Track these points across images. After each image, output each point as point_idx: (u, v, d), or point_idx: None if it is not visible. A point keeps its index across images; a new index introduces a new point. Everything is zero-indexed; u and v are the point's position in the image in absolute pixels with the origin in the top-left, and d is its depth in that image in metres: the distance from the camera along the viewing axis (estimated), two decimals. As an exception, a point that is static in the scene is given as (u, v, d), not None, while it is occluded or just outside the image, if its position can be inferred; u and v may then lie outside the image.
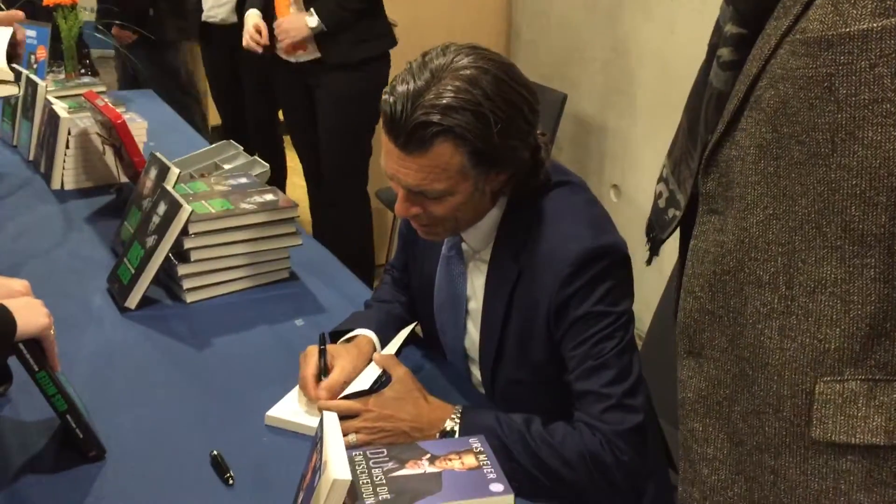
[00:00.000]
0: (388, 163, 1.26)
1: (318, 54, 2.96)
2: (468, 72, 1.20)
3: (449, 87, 1.18)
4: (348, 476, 0.96)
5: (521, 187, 1.32)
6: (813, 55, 0.76)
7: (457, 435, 1.26)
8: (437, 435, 1.27)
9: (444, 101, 1.18)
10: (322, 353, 1.40)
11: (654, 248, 1.04)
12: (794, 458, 0.83)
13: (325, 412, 1.09)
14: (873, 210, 0.76)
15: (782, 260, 0.81)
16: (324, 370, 1.38)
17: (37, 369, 1.18)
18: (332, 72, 2.99)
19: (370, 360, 1.42)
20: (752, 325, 0.84)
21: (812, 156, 0.77)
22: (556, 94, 3.18)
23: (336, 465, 0.98)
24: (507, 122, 1.21)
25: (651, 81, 3.10)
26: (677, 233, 1.00)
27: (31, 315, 1.16)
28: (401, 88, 1.20)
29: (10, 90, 1.98)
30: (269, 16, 3.06)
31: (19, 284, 1.24)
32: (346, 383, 1.37)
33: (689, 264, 0.89)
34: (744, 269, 0.84)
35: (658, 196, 1.02)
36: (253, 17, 3.07)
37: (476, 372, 1.47)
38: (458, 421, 1.27)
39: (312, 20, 2.88)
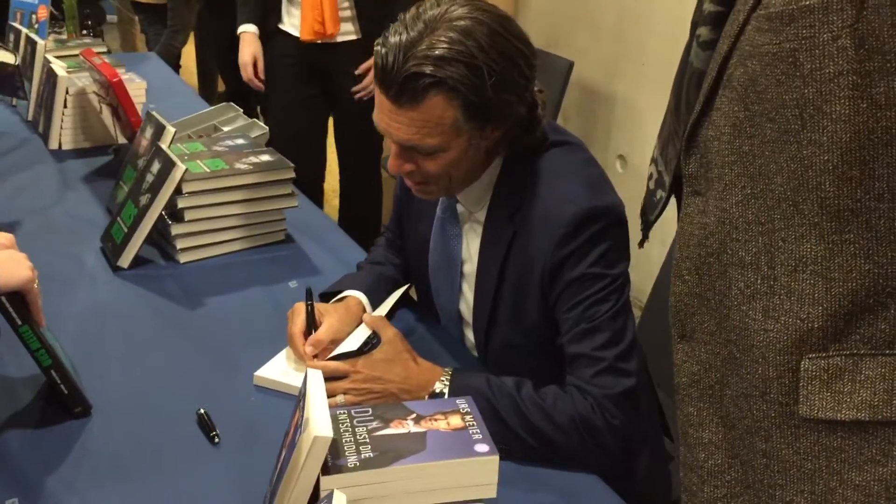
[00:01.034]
0: (380, 117, 1.23)
1: (355, 36, 2.72)
2: (462, 23, 1.17)
3: (442, 39, 1.15)
4: (330, 433, 0.94)
5: (516, 145, 1.29)
6: (776, 30, 0.74)
7: (446, 397, 1.24)
8: (426, 397, 1.25)
9: (437, 53, 1.15)
10: (309, 309, 1.38)
11: (646, 230, 1.02)
12: (786, 438, 0.82)
13: (309, 370, 1.07)
14: (847, 185, 0.74)
15: (763, 240, 0.79)
16: (311, 326, 1.37)
17: (20, 323, 1.16)
18: (362, 59, 2.76)
19: (359, 321, 1.41)
20: (736, 307, 0.82)
21: (783, 133, 0.76)
22: (562, 62, 3.13)
23: (318, 422, 0.96)
24: (501, 75, 1.17)
25: (661, 49, 3.05)
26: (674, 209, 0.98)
27: (13, 268, 1.14)
28: (393, 39, 1.17)
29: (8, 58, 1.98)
30: (268, 28, 2.81)
31: (4, 238, 1.22)
32: (335, 341, 1.35)
33: (676, 248, 0.88)
34: (726, 251, 0.82)
35: (649, 178, 1.01)
36: (250, 43, 2.74)
37: (470, 335, 1.45)
38: (447, 383, 1.25)
39: None
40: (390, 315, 1.45)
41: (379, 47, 1.19)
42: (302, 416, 1.01)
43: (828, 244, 0.76)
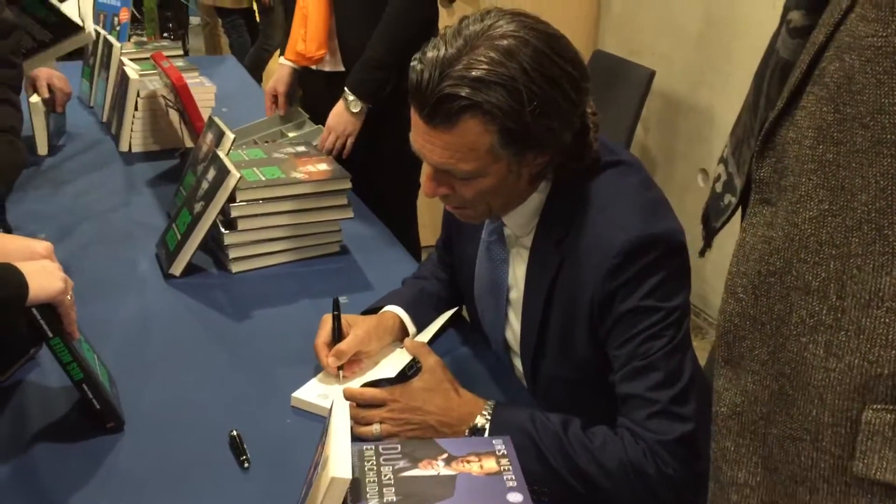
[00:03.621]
0: (414, 137, 1.16)
1: (341, 67, 2.36)
2: (505, 42, 1.08)
3: (482, 59, 1.07)
4: (348, 475, 0.88)
5: (564, 170, 1.20)
6: (884, 21, 0.63)
7: (487, 432, 1.16)
8: (466, 431, 1.17)
9: (475, 74, 1.06)
10: (336, 319, 1.34)
11: (708, 238, 0.92)
12: (833, 495, 0.72)
13: (335, 402, 1.01)
14: None
15: (835, 265, 0.69)
16: (337, 336, 1.34)
17: (51, 336, 1.14)
18: None
19: (392, 335, 1.37)
20: (795, 337, 0.72)
21: (876, 143, 0.65)
22: (643, 71, 3.01)
23: (338, 461, 0.90)
24: (544, 101, 1.08)
25: (748, 58, 2.88)
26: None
27: (45, 279, 1.11)
28: (430, 54, 1.10)
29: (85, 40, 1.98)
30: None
31: (41, 247, 1.20)
32: (361, 353, 1.32)
33: (733, 261, 0.78)
34: (791, 272, 0.72)
35: (716, 179, 0.91)
36: (278, 75, 2.50)
37: (519, 364, 1.36)
38: (489, 417, 1.17)
39: (354, 104, 2.21)
40: (436, 338, 1.38)
41: (415, 62, 1.11)
42: (322, 453, 0.95)
43: None
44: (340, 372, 1.32)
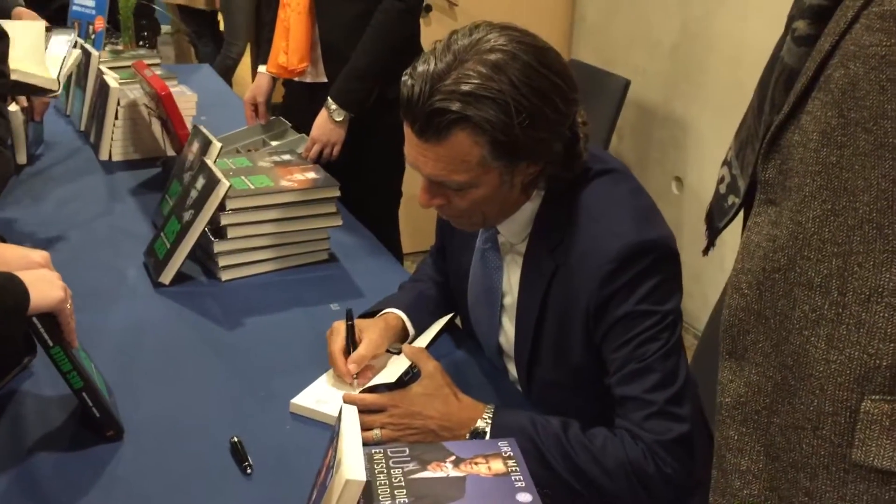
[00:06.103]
0: (408, 150, 1.18)
1: (324, 78, 2.36)
2: (494, 56, 1.10)
3: (471, 73, 1.09)
4: (363, 477, 0.89)
5: (556, 179, 1.23)
6: (889, 31, 0.67)
7: (487, 436, 1.18)
8: (467, 435, 1.19)
9: (465, 88, 1.09)
10: (349, 328, 1.36)
11: (712, 237, 0.96)
12: (833, 481, 0.76)
13: (344, 406, 1.02)
14: None
15: (837, 262, 0.73)
16: (352, 345, 1.35)
17: (51, 344, 1.14)
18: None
19: (397, 335, 1.38)
20: (798, 330, 0.76)
21: (879, 146, 0.69)
22: (618, 80, 3.06)
23: (351, 464, 0.91)
24: (533, 113, 1.10)
25: (721, 69, 2.96)
26: (740, 222, 0.91)
27: (45, 288, 1.11)
28: (421, 69, 1.12)
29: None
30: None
31: (38, 256, 1.19)
32: (377, 357, 1.34)
33: (738, 258, 0.81)
34: (795, 269, 0.76)
35: (720, 181, 0.94)
36: (256, 83, 2.50)
37: (512, 369, 1.38)
38: (489, 421, 1.19)
39: (337, 112, 2.21)
40: (432, 344, 1.40)
41: (406, 77, 1.14)
42: (335, 457, 0.96)
43: None
44: (354, 380, 1.33)
